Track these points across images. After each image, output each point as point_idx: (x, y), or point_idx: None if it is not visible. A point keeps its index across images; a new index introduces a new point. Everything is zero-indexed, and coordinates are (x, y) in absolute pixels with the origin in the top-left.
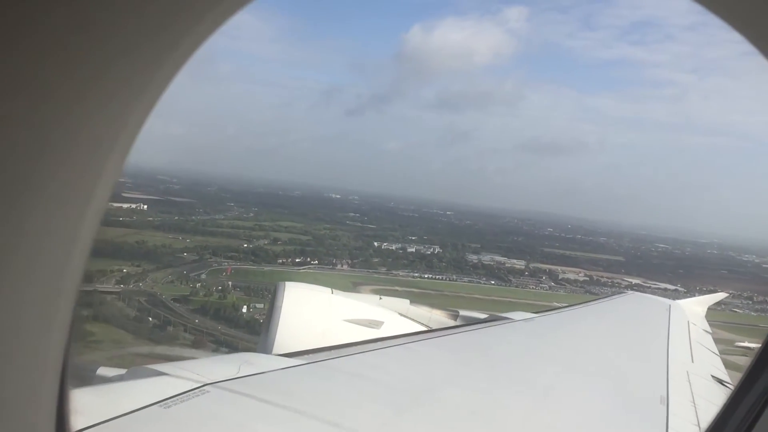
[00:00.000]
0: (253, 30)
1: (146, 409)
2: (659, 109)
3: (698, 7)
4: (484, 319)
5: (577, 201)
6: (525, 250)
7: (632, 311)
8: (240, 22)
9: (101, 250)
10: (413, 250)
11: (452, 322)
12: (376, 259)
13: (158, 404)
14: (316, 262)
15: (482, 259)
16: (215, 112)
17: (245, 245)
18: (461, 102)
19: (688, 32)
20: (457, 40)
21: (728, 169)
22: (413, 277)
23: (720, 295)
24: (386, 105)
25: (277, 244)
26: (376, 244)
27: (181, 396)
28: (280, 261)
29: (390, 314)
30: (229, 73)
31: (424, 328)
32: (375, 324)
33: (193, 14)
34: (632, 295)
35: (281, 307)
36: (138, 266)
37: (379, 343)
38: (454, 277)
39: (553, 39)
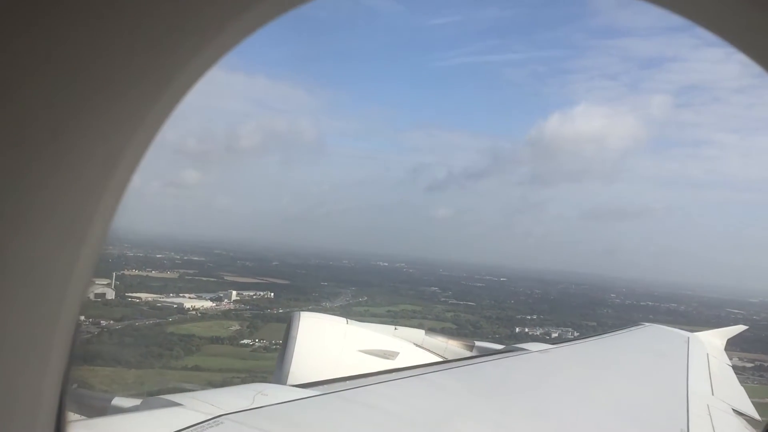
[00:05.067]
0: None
1: None
2: (697, 167)
3: (753, 70)
4: (501, 349)
5: (615, 260)
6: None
7: (650, 343)
8: (303, 97)
9: None
10: (557, 334)
11: (468, 353)
12: None
13: None
14: None
15: None
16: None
17: None
18: (553, 177)
19: (737, 94)
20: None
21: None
22: None
23: (739, 328)
24: (473, 182)
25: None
26: (518, 329)
27: (195, 427)
28: None
29: (405, 345)
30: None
31: (439, 359)
32: (390, 354)
33: (186, 51)
34: (649, 327)
35: (296, 337)
36: None
37: (394, 373)
38: None
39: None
